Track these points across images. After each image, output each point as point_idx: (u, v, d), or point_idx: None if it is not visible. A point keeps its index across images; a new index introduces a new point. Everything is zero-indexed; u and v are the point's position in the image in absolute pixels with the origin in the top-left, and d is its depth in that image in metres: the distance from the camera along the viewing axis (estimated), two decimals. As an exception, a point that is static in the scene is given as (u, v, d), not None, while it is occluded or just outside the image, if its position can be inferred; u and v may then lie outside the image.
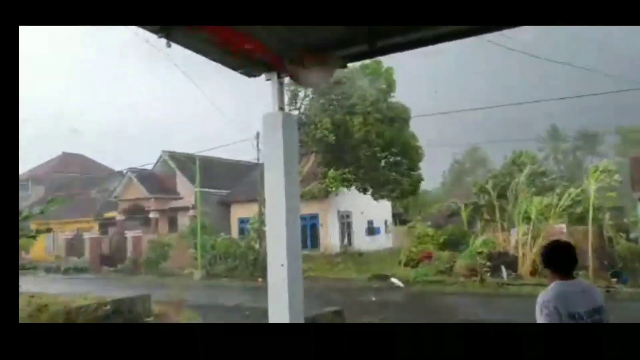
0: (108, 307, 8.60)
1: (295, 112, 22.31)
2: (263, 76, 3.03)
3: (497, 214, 18.43)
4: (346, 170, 21.88)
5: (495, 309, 11.46)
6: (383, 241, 27.29)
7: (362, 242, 26.52)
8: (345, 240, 26.26)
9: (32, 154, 50.36)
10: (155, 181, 28.72)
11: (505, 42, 10.68)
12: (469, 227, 19.91)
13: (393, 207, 29.73)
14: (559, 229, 16.96)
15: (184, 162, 26.49)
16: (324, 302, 8.81)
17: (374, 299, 13.05)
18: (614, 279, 13.96)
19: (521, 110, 63.35)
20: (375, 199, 23.54)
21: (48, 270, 24.57)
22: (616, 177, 16.04)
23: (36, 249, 25.29)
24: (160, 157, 29.40)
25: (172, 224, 28.40)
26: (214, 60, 2.83)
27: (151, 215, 27.80)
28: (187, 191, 27.14)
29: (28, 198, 33.13)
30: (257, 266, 19.29)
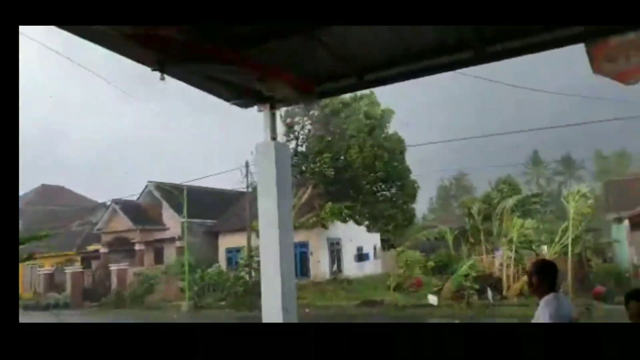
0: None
1: (293, 143, 22.75)
2: (255, 107, 3.14)
3: (482, 238, 18.92)
4: (344, 205, 22.22)
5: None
6: (372, 267, 27.37)
7: (351, 268, 26.55)
8: (335, 267, 26.29)
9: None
10: (141, 212, 28.43)
11: (491, 74, 11.27)
12: (455, 250, 20.29)
13: (382, 233, 30.12)
14: (540, 253, 17.58)
15: (170, 192, 26.40)
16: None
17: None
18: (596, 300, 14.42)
19: (508, 138, 65.17)
20: (370, 231, 23.99)
21: (26, 307, 23.72)
22: (590, 202, 16.81)
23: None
24: (146, 187, 29.22)
25: (158, 256, 27.99)
26: (207, 91, 2.92)
27: (136, 247, 27.39)
28: (173, 222, 26.92)
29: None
30: (247, 297, 19.14)
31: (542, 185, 49.63)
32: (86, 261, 29.36)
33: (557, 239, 17.53)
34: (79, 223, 33.31)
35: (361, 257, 27.70)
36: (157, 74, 2.33)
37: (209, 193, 29.71)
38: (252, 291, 19.13)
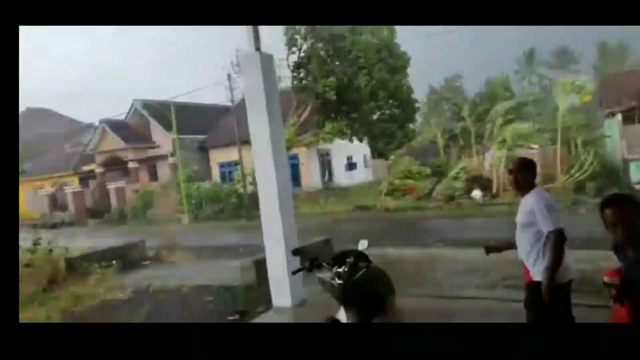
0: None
1: (294, 56, 22.02)
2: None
3: (473, 140, 19.03)
4: (344, 124, 22.25)
5: (464, 227, 12.29)
6: (363, 175, 27.95)
7: (342, 177, 27.11)
8: (326, 177, 26.82)
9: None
10: (130, 131, 28.13)
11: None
12: (445, 155, 20.51)
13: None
14: (531, 151, 17.74)
15: (157, 109, 25.86)
16: (312, 234, 9.30)
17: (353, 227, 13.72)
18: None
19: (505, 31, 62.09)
20: (361, 141, 24.25)
21: (36, 227, 24.45)
22: (586, 97, 16.58)
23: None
24: (132, 106, 28.56)
25: (152, 173, 28.29)
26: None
27: (130, 165, 27.56)
28: (163, 139, 26.77)
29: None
30: (243, 208, 19.74)
31: (534, 83, 48.76)
32: (83, 181, 29.74)
33: (548, 137, 17.69)
34: (70, 145, 33.09)
35: (351, 166, 28.18)
36: None
37: (196, 108, 29.17)
38: (248, 203, 19.70)
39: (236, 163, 23.63)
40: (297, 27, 21.46)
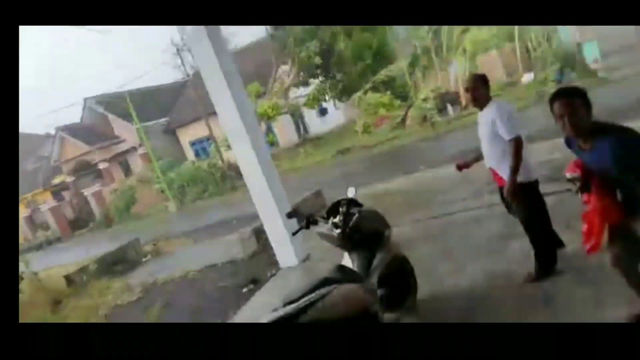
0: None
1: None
2: None
3: (434, 56, 18.85)
4: (325, 86, 22.18)
5: (442, 145, 12.42)
6: (336, 118, 27.72)
7: (316, 125, 26.88)
8: (302, 130, 26.57)
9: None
10: (90, 132, 27.06)
11: None
12: (411, 80, 20.31)
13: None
14: (492, 55, 17.77)
15: (112, 103, 24.76)
16: (301, 189, 9.28)
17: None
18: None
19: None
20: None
21: (22, 252, 23.96)
22: None
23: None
24: (85, 105, 27.28)
25: (126, 169, 27.58)
26: None
27: (100, 166, 26.74)
28: (126, 132, 25.86)
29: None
30: (226, 180, 19.56)
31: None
32: (57, 195, 28.86)
33: (506, 38, 17.63)
34: (31, 161, 31.80)
35: (322, 111, 27.85)
36: None
37: (152, 92, 28.06)
38: (230, 173, 19.51)
39: (208, 138, 23.15)
40: None
